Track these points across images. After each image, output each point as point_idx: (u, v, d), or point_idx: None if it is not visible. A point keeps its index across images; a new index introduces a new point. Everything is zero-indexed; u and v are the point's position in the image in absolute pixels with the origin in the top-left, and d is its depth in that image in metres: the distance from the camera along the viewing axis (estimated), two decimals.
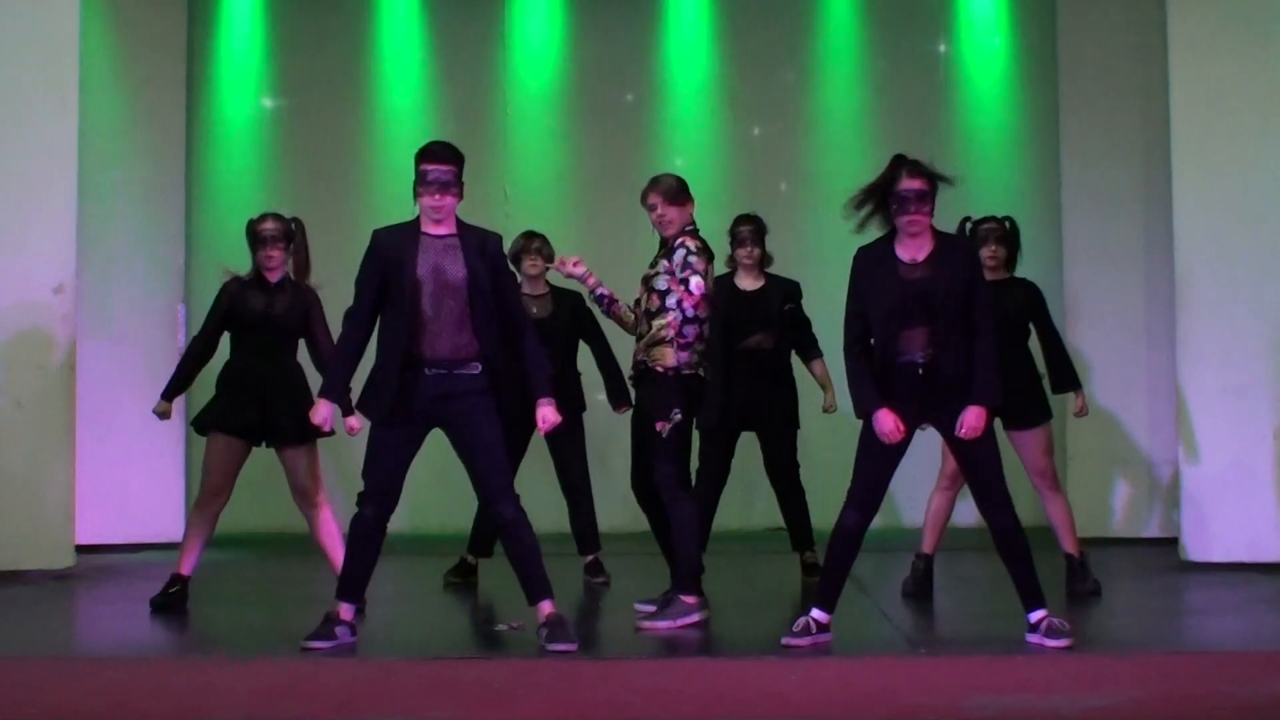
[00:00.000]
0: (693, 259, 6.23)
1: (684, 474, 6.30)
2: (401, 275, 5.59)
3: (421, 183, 5.65)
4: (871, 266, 5.66)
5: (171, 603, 6.62)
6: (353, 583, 5.72)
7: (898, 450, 5.63)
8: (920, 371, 5.56)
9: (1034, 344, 7.02)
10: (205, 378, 6.85)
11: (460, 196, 5.70)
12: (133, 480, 9.42)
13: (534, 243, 7.64)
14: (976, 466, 5.63)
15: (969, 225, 6.94)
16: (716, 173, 10.26)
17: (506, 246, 6.38)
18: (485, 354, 5.62)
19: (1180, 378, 8.14)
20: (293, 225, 6.75)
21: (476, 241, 5.69)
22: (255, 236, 6.70)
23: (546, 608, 5.62)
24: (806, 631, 5.62)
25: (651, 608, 6.31)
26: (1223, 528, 7.98)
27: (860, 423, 5.65)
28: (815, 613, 5.69)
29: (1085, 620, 6.20)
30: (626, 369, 6.76)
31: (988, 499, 5.63)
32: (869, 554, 6.05)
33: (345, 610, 5.68)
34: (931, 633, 6.32)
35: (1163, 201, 8.65)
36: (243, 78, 10.72)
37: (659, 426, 6.14)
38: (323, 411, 5.76)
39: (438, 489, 8.93)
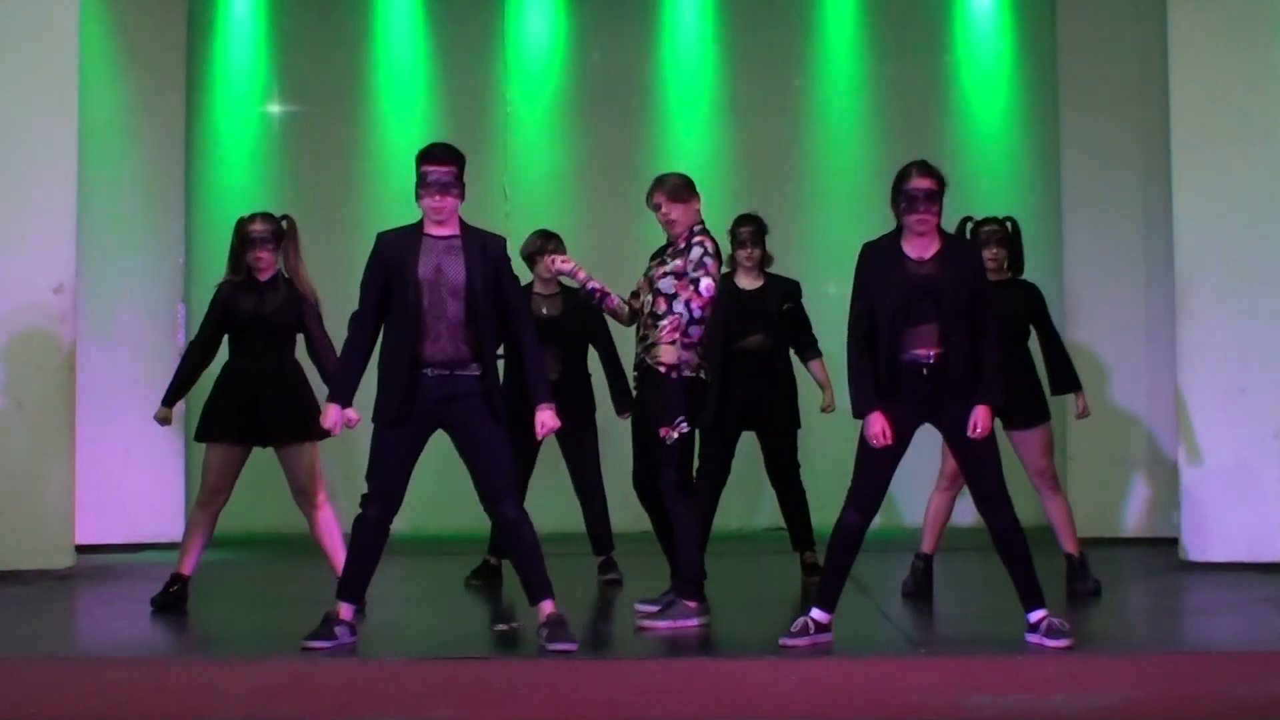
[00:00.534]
0: (708, 260, 6.20)
1: (687, 477, 6.31)
2: (404, 277, 5.59)
3: (422, 184, 5.65)
4: (879, 261, 5.65)
5: (172, 602, 6.62)
6: (354, 583, 5.72)
7: (897, 451, 5.63)
8: (926, 370, 5.56)
9: (1034, 344, 7.03)
10: (206, 378, 6.84)
11: (462, 197, 5.70)
12: (133, 480, 9.40)
13: (549, 243, 7.61)
14: (977, 467, 5.63)
15: (970, 226, 6.94)
16: (717, 173, 10.24)
17: (515, 247, 6.37)
18: (484, 355, 5.62)
19: (1180, 378, 8.14)
20: (283, 224, 6.71)
21: (478, 243, 5.69)
22: (244, 238, 6.66)
23: (547, 608, 5.62)
24: (805, 631, 5.62)
25: (653, 608, 6.30)
26: (1223, 528, 7.98)
27: (860, 422, 5.65)
28: (815, 613, 5.69)
29: (1085, 620, 6.20)
30: (628, 369, 6.76)
31: (987, 499, 5.63)
32: (869, 554, 6.04)
33: (345, 610, 5.68)
34: (931, 633, 6.31)
35: (1163, 202, 8.64)
36: (243, 78, 10.69)
37: (663, 433, 6.14)
38: (332, 416, 5.74)
39: (438, 489, 8.91)
